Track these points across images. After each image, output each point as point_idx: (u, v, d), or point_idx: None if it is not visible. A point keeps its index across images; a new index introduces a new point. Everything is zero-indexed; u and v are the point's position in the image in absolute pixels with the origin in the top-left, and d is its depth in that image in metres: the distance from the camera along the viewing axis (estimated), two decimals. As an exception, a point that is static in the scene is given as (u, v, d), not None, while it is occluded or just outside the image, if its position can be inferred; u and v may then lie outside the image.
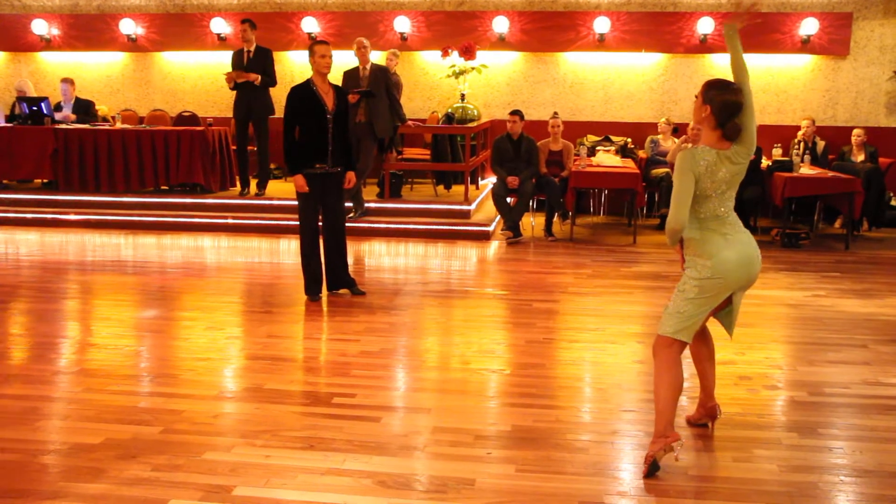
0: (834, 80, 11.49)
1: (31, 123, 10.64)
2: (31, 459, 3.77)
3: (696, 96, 3.89)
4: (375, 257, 8.81)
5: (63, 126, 10.53)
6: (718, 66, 11.37)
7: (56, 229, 9.93)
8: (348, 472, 3.68)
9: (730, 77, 3.95)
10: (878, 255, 9.04)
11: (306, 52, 6.63)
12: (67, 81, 11.26)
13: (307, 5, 12.33)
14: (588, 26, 11.61)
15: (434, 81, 12.21)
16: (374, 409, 4.44)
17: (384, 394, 4.76)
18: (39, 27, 12.73)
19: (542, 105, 11.96)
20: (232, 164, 10.79)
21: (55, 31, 12.81)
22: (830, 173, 9.48)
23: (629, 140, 11.63)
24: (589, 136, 11.75)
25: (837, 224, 10.50)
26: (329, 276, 6.86)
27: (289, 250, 8.84)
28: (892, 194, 10.88)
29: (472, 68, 11.43)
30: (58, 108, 11.17)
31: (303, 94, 6.49)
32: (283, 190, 10.56)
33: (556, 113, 10.37)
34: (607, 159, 10.34)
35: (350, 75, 9.33)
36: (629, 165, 10.12)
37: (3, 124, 10.77)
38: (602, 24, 11.49)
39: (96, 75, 13.04)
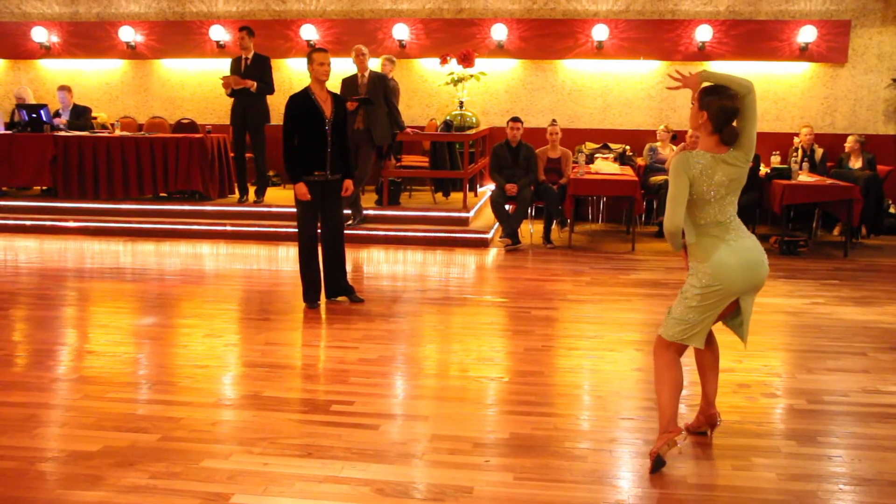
0: (832, 88, 11.51)
1: (30, 131, 10.64)
2: (29, 467, 3.77)
3: (693, 102, 3.90)
4: (374, 265, 8.81)
5: (62, 133, 10.53)
6: (717, 73, 11.38)
7: (55, 236, 9.93)
8: (346, 480, 3.67)
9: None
10: (876, 262, 9.04)
11: (305, 60, 6.63)
12: (64, 89, 11.27)
13: (306, 13, 12.35)
14: (586, 34, 11.63)
15: (432, 89, 12.23)
16: (373, 417, 4.43)
17: (382, 401, 4.75)
18: (39, 35, 12.74)
19: (541, 112, 11.98)
20: (230, 171, 10.79)
21: (55, 39, 12.82)
22: (829, 181, 9.50)
23: (627, 147, 11.65)
24: (587, 143, 11.77)
25: (836, 231, 10.51)
26: (327, 283, 6.85)
27: (287, 257, 8.84)
28: (890, 201, 10.89)
29: (471, 76, 11.44)
30: (56, 115, 11.18)
31: (301, 102, 6.50)
32: (282, 197, 10.56)
33: (554, 120, 10.39)
34: (606, 167, 10.35)
35: (348, 83, 9.34)
36: (627, 173, 10.12)
37: (3, 132, 10.78)
38: (600, 32, 11.51)
39: (95, 83, 13.05)
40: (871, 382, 5.08)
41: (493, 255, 9.23)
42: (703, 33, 11.34)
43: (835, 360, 5.54)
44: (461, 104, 11.60)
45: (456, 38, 11.84)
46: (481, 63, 11.58)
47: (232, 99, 10.04)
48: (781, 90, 11.57)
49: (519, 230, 9.53)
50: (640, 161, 11.08)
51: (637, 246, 9.64)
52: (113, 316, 6.58)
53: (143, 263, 8.62)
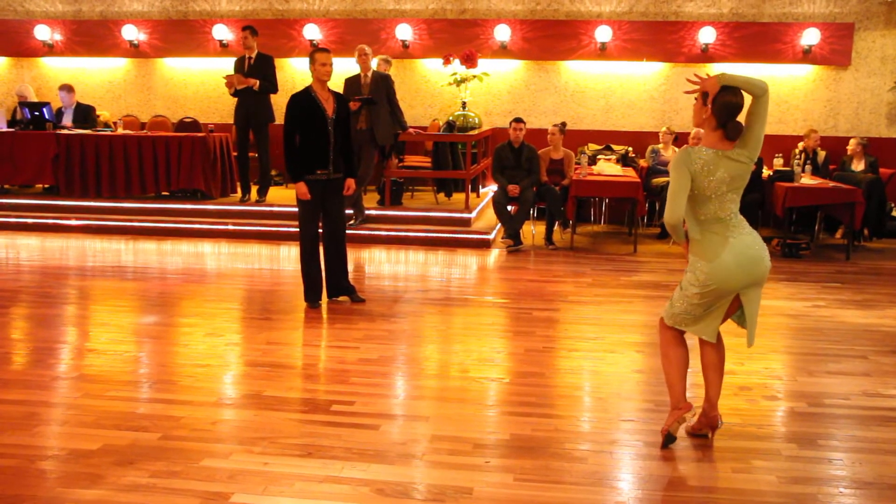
0: (835, 91, 11.50)
1: (32, 129, 10.65)
2: (29, 465, 3.77)
3: (696, 98, 3.91)
4: (375, 265, 8.80)
5: (64, 131, 10.54)
6: (720, 75, 11.38)
7: (57, 234, 9.94)
8: (346, 480, 3.67)
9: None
10: (878, 265, 9.03)
11: (308, 60, 6.63)
12: (66, 88, 11.27)
13: (309, 12, 12.36)
14: (590, 35, 11.63)
15: (435, 89, 12.23)
16: (373, 417, 4.43)
17: (383, 401, 4.75)
18: (42, 33, 12.76)
19: (544, 113, 11.98)
20: (233, 170, 10.80)
21: (58, 37, 12.84)
22: (831, 183, 9.49)
23: (630, 149, 11.65)
24: (590, 144, 11.77)
25: (838, 234, 10.49)
26: (329, 283, 6.85)
27: (289, 257, 8.84)
28: (893, 205, 10.87)
29: (474, 76, 11.46)
30: (59, 114, 11.19)
31: (303, 101, 6.50)
32: (284, 196, 10.57)
33: (564, 123, 10.33)
34: (608, 168, 10.34)
35: (351, 82, 9.34)
36: (630, 174, 10.12)
37: (5, 129, 10.79)
38: (603, 33, 11.51)
39: (98, 81, 13.07)
40: (872, 386, 5.07)
41: (494, 255, 9.22)
42: (707, 35, 11.34)
43: (836, 363, 5.53)
44: (464, 105, 11.61)
45: (459, 38, 11.85)
46: (484, 64, 11.60)
47: (235, 98, 10.04)
48: (784, 93, 11.56)
49: (521, 231, 9.53)
50: (642, 163, 11.08)
51: (639, 248, 9.64)
52: (114, 314, 6.58)
53: (145, 262, 8.63)
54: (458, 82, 11.45)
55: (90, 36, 12.79)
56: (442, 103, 12.25)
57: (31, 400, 4.60)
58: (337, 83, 8.37)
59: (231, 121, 10.53)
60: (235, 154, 10.60)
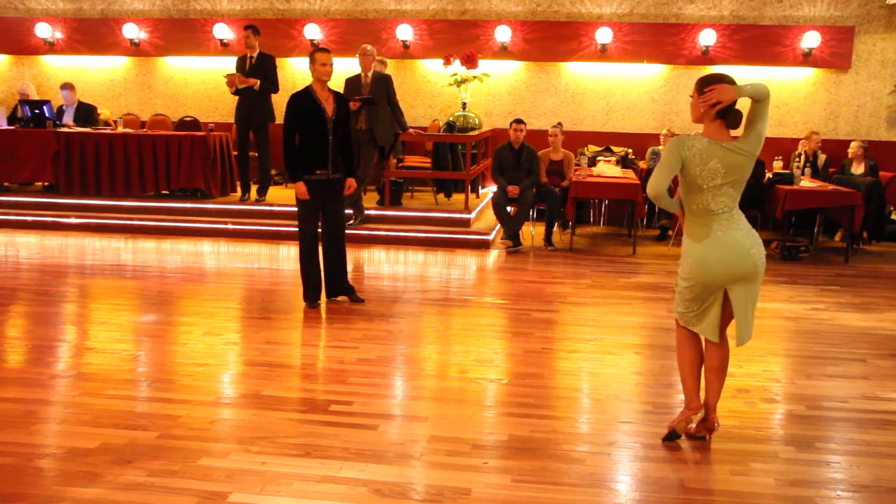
0: (835, 94, 11.51)
1: (32, 126, 10.65)
2: (27, 463, 3.76)
3: (692, 95, 3.96)
4: (375, 265, 8.80)
5: (65, 129, 10.54)
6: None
7: (56, 232, 9.93)
8: (344, 480, 3.67)
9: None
10: (877, 268, 9.03)
11: (308, 59, 6.63)
12: (67, 87, 11.28)
13: (310, 12, 12.36)
14: (590, 36, 11.64)
15: (436, 90, 12.23)
16: (372, 417, 4.43)
17: (381, 402, 4.75)
18: (43, 30, 12.76)
19: (544, 115, 11.98)
20: (233, 169, 10.80)
21: (58, 35, 12.84)
22: (831, 186, 9.48)
23: (630, 150, 11.65)
24: (590, 146, 11.77)
25: (837, 237, 10.50)
26: (328, 283, 6.85)
27: (288, 256, 8.84)
28: (892, 208, 10.87)
29: (474, 77, 11.46)
30: (60, 112, 11.19)
31: (302, 100, 6.50)
32: (284, 196, 10.56)
33: (559, 123, 10.35)
34: (608, 170, 10.35)
35: (352, 82, 9.33)
36: (630, 176, 10.13)
37: (5, 127, 10.78)
38: (604, 35, 11.51)
39: (99, 79, 13.07)
40: (871, 389, 5.07)
41: (493, 256, 9.22)
42: (707, 37, 11.34)
43: (834, 366, 5.53)
44: (464, 105, 11.61)
45: (459, 39, 11.85)
46: (484, 64, 11.60)
47: (236, 97, 10.04)
48: (784, 95, 11.57)
49: (520, 232, 9.53)
50: (642, 164, 11.08)
51: (638, 249, 9.64)
52: (113, 313, 6.58)
53: (144, 261, 8.63)
54: (459, 83, 11.46)
55: (91, 34, 12.79)
56: (442, 104, 12.25)
57: (29, 398, 4.59)
58: (337, 83, 8.38)
59: (231, 120, 10.54)
60: (235, 153, 10.60)
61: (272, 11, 12.47)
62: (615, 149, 11.68)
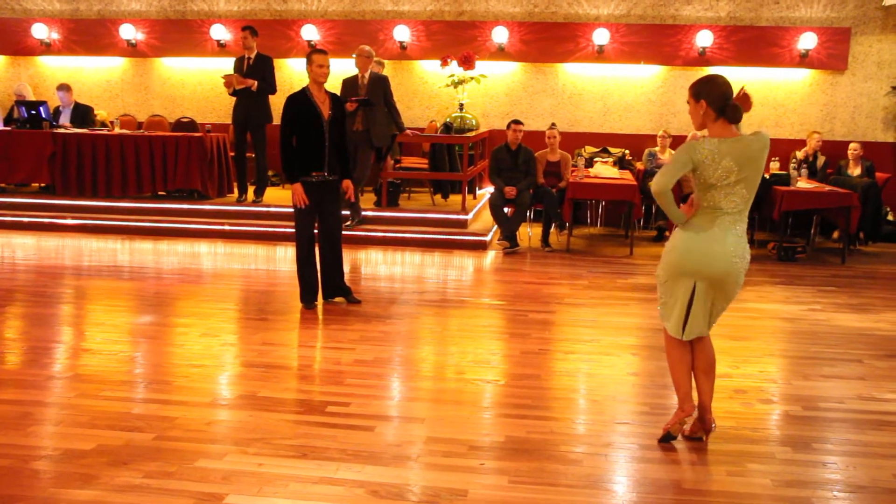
0: (832, 95, 11.52)
1: (29, 127, 10.63)
2: (23, 465, 3.76)
3: (688, 101, 3.98)
4: (372, 266, 8.80)
5: (61, 130, 10.53)
6: (717, 79, 11.38)
7: (52, 233, 9.92)
8: (341, 482, 3.66)
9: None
10: (874, 269, 9.04)
11: (305, 60, 6.63)
12: (63, 88, 11.26)
13: (307, 13, 12.35)
14: (587, 38, 11.64)
15: (433, 91, 12.23)
16: (368, 419, 4.43)
17: (378, 403, 4.75)
18: (39, 31, 12.74)
19: (541, 116, 11.98)
20: (230, 170, 10.79)
21: (55, 36, 12.82)
22: (827, 187, 9.50)
23: (627, 151, 11.65)
24: (587, 147, 11.77)
25: (835, 235, 10.50)
26: (325, 284, 6.85)
27: (285, 257, 8.83)
28: (888, 209, 10.90)
29: (471, 78, 11.45)
30: (56, 113, 11.18)
31: (299, 102, 6.49)
32: (281, 197, 10.55)
33: (553, 124, 10.38)
34: (605, 171, 10.35)
35: (349, 83, 9.33)
36: (627, 177, 10.13)
37: (2, 128, 10.77)
38: (601, 36, 11.52)
39: (96, 80, 13.05)
40: (867, 390, 5.08)
41: (491, 257, 9.23)
42: (704, 39, 11.35)
43: (831, 366, 5.54)
44: (461, 106, 11.61)
45: (457, 40, 11.85)
46: (482, 65, 11.60)
47: (233, 98, 10.04)
48: (781, 96, 11.58)
49: (517, 233, 9.53)
50: (639, 165, 11.08)
51: (635, 250, 9.64)
52: (109, 314, 6.57)
53: (141, 262, 8.62)
54: (456, 84, 11.45)
55: (88, 35, 12.77)
56: (439, 105, 12.25)
57: (25, 399, 4.59)
58: (334, 84, 8.37)
59: (228, 121, 10.53)
60: (233, 154, 10.59)
61: (269, 12, 12.47)
62: (612, 150, 11.68)
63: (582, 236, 10.70)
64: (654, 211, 10.87)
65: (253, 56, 9.97)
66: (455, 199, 10.88)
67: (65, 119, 11.13)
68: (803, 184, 9.58)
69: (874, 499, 3.66)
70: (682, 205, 4.04)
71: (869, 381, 5.26)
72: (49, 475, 3.68)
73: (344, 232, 7.14)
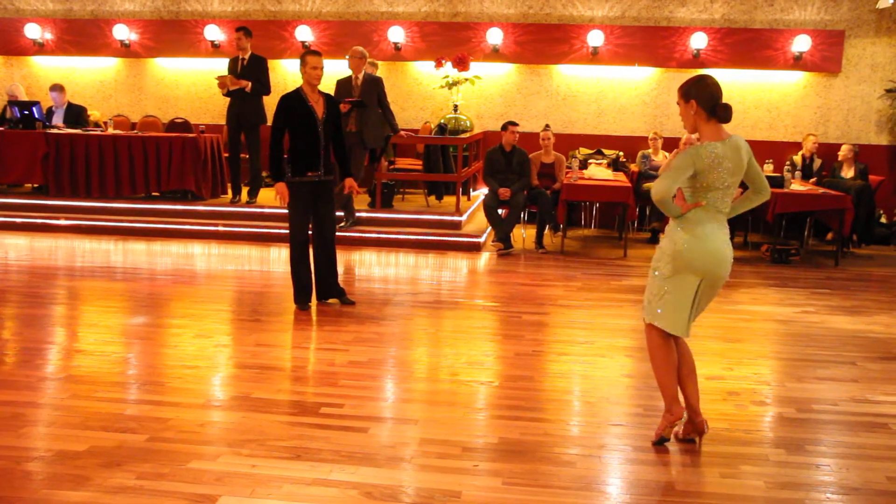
0: (825, 98, 11.55)
1: (22, 128, 10.60)
2: (15, 466, 3.74)
3: (678, 103, 3.99)
4: (366, 267, 8.79)
5: (54, 131, 10.50)
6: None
7: (46, 234, 9.89)
8: (335, 483, 3.66)
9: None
10: (867, 272, 9.07)
11: (299, 61, 6.62)
12: (56, 88, 11.23)
13: (301, 14, 12.35)
14: (582, 39, 11.65)
15: (427, 92, 12.23)
16: (362, 420, 4.42)
17: (372, 404, 4.74)
18: (32, 31, 12.71)
19: (535, 117, 11.99)
20: (223, 171, 10.78)
21: (48, 36, 12.79)
22: (821, 190, 9.53)
23: (621, 153, 11.66)
24: (581, 148, 11.78)
25: (829, 236, 10.52)
26: (319, 285, 6.84)
27: (279, 258, 8.82)
28: (881, 212, 10.94)
29: (466, 79, 11.46)
30: (49, 113, 11.14)
31: (292, 102, 6.49)
32: (274, 198, 10.51)
33: (547, 125, 10.39)
34: (599, 172, 10.36)
35: (343, 84, 9.32)
36: (621, 179, 10.14)
37: (-6, 128, 10.74)
38: (596, 38, 11.53)
39: (89, 80, 13.02)
40: (860, 392, 5.09)
41: (485, 259, 9.22)
42: (698, 41, 11.37)
43: (824, 368, 5.55)
44: (455, 108, 11.61)
45: (451, 41, 11.85)
46: (476, 67, 11.60)
47: (227, 99, 10.03)
48: (775, 99, 11.61)
49: (511, 235, 9.54)
50: (633, 167, 11.10)
51: (629, 252, 9.66)
52: (102, 315, 6.55)
53: (134, 263, 8.60)
54: (450, 85, 11.46)
55: (81, 35, 12.75)
56: (433, 106, 12.25)
57: (17, 401, 4.57)
58: (328, 85, 8.37)
59: (222, 121, 10.52)
60: (226, 155, 10.58)
61: (264, 13, 12.45)
62: (606, 151, 11.69)
63: (576, 238, 10.71)
64: (647, 213, 10.88)
65: (247, 57, 9.96)
66: (449, 200, 10.88)
67: (58, 119, 11.10)
68: (797, 186, 9.60)
69: (867, 501, 3.66)
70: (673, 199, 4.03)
71: (862, 383, 5.27)
72: (41, 476, 3.66)
73: (338, 233, 7.14)
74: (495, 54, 11.90)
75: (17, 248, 9.11)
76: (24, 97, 11.84)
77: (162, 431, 4.17)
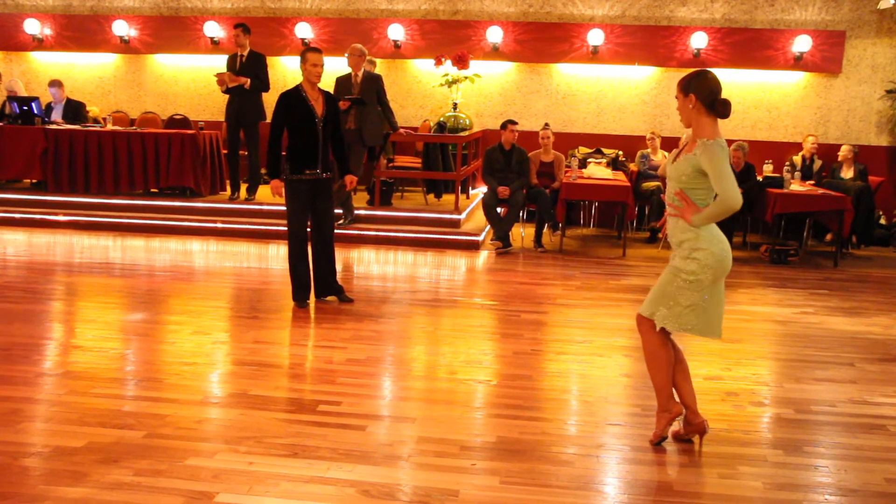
0: (826, 98, 11.55)
1: (21, 123, 10.58)
2: (12, 462, 3.73)
3: (677, 97, 3.95)
4: (364, 265, 8.79)
5: (53, 126, 10.48)
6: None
7: (44, 230, 9.88)
8: (332, 481, 3.65)
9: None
10: (866, 273, 9.07)
11: (299, 58, 6.62)
12: (55, 84, 11.21)
13: (301, 11, 12.33)
14: (582, 38, 11.64)
15: (427, 90, 12.22)
16: (360, 418, 4.41)
17: (370, 402, 4.73)
18: (32, 27, 12.69)
19: (535, 116, 11.99)
20: (222, 168, 10.76)
21: (48, 31, 12.77)
22: (821, 190, 9.53)
23: (620, 153, 11.66)
24: (580, 147, 11.77)
25: (828, 237, 10.53)
26: (317, 282, 6.83)
27: (277, 255, 8.81)
28: (881, 213, 10.94)
29: (465, 77, 11.45)
30: (48, 109, 11.13)
31: (292, 99, 6.48)
32: (273, 195, 10.51)
33: (546, 124, 10.38)
34: (598, 171, 10.36)
35: (342, 82, 9.31)
36: (620, 178, 10.14)
37: (-7, 123, 10.72)
38: (596, 37, 11.52)
39: (88, 76, 13.00)
40: (859, 393, 5.09)
41: (483, 257, 9.22)
42: (699, 40, 11.37)
43: (823, 370, 5.55)
44: (455, 106, 11.60)
45: (451, 39, 11.84)
46: (476, 65, 11.60)
47: (226, 96, 10.01)
48: (775, 99, 11.60)
49: (510, 233, 9.53)
50: (632, 167, 11.09)
51: (628, 251, 9.66)
52: (100, 311, 6.54)
53: (133, 259, 8.59)
54: (450, 83, 11.45)
55: (80, 31, 12.73)
56: (433, 104, 12.24)
57: (15, 396, 4.56)
58: (328, 82, 8.36)
59: (221, 118, 10.50)
60: (225, 152, 10.56)
61: (263, 10, 12.44)
62: (606, 151, 11.69)
63: (575, 237, 10.71)
64: (646, 212, 10.87)
65: (246, 54, 9.94)
66: (448, 198, 10.88)
67: (57, 115, 11.08)
68: (796, 186, 9.60)
69: (865, 502, 3.66)
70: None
71: (860, 384, 5.26)
72: (39, 472, 3.65)
73: (336, 231, 7.13)
74: (495, 53, 11.89)
75: (15, 244, 9.10)
76: (23, 93, 11.82)
77: (159, 428, 4.17)
